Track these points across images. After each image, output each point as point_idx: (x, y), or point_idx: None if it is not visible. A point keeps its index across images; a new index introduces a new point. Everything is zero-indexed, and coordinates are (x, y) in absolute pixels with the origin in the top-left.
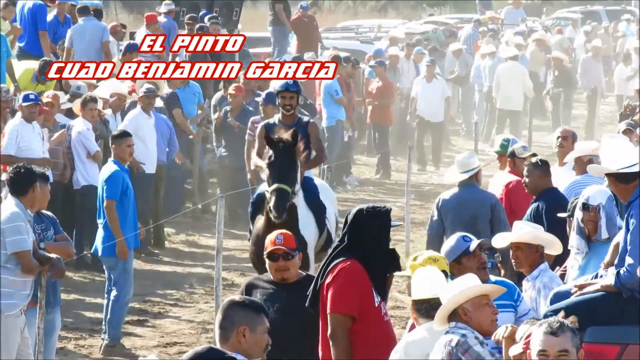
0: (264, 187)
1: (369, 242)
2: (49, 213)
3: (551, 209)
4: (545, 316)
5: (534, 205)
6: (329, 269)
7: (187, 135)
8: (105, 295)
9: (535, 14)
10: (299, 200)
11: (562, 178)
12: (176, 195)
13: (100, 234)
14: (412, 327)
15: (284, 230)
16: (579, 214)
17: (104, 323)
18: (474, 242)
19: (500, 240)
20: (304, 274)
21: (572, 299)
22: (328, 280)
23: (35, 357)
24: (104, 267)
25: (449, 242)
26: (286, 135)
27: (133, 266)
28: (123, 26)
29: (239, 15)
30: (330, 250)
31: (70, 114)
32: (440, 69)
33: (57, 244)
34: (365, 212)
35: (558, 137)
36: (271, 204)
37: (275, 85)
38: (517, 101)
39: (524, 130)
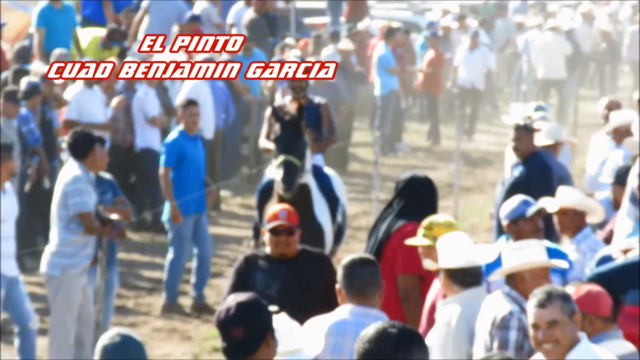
0: (271, 174)
1: (428, 207)
2: (109, 176)
3: (538, 172)
4: (590, 280)
5: (521, 168)
6: (392, 232)
7: (244, 101)
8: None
9: None
10: (314, 187)
11: (608, 147)
12: (232, 159)
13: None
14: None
15: (286, 206)
16: (635, 182)
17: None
18: (533, 207)
19: (549, 205)
20: (301, 248)
21: (616, 262)
22: (394, 242)
23: (95, 314)
24: (169, 230)
25: (510, 203)
26: (292, 110)
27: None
28: None
29: None
30: (380, 214)
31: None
32: (491, 39)
33: (115, 206)
34: (425, 179)
35: (604, 108)
36: (279, 177)
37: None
38: (560, 71)
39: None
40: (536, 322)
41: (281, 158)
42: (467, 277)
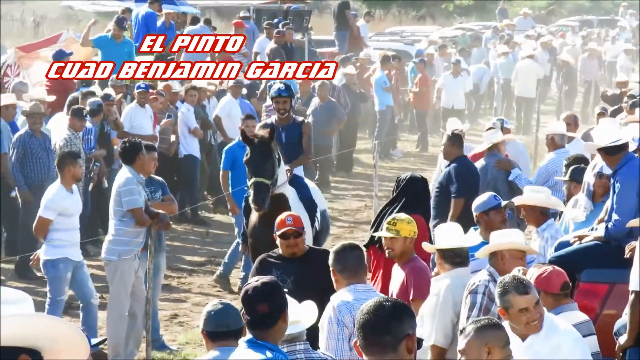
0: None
1: (423, 201)
2: (159, 178)
3: (461, 172)
4: (551, 262)
5: (447, 169)
6: None
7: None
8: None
9: (542, 22)
10: (291, 195)
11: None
12: None
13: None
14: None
15: (292, 212)
16: (590, 179)
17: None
18: (503, 202)
19: (519, 202)
20: (308, 247)
21: (572, 247)
22: None
23: (146, 292)
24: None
25: (482, 197)
26: (262, 132)
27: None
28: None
29: (309, 22)
30: (383, 208)
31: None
32: (467, 64)
33: (162, 202)
34: (421, 178)
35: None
36: (250, 198)
37: (270, 92)
38: (532, 90)
39: (534, 114)
40: (526, 306)
41: (252, 180)
42: (456, 258)
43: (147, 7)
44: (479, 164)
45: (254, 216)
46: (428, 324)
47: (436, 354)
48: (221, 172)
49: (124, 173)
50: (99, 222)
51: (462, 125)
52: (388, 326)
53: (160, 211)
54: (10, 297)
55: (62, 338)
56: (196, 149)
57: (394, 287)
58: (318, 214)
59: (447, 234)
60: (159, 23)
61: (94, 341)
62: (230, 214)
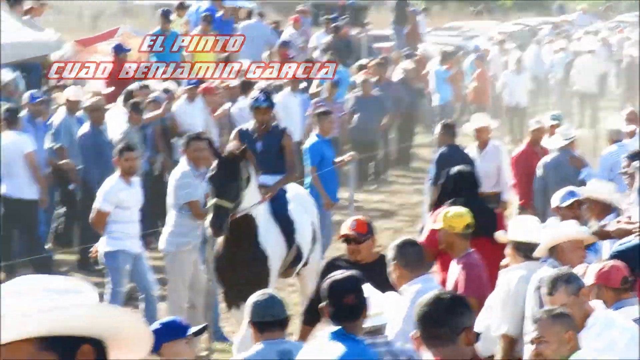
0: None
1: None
2: None
3: (443, 159)
4: (612, 256)
5: (439, 154)
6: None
7: None
8: None
9: (600, 18)
10: (264, 213)
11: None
12: None
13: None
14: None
15: (358, 217)
16: None
17: None
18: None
19: (582, 193)
20: (379, 254)
21: (634, 241)
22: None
23: (206, 283)
24: None
25: (561, 192)
26: (235, 150)
27: None
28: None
29: (365, 17)
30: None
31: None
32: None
33: None
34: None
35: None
36: (207, 221)
37: (249, 101)
38: (593, 86)
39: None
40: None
41: (212, 201)
42: (529, 251)
43: (208, 2)
44: (549, 158)
45: (219, 239)
46: (498, 314)
47: (507, 344)
48: (310, 168)
49: (181, 166)
50: (158, 214)
51: (489, 122)
52: (446, 319)
53: None
54: (74, 287)
55: (127, 329)
56: None
57: (450, 282)
58: (306, 229)
59: (523, 226)
60: (217, 16)
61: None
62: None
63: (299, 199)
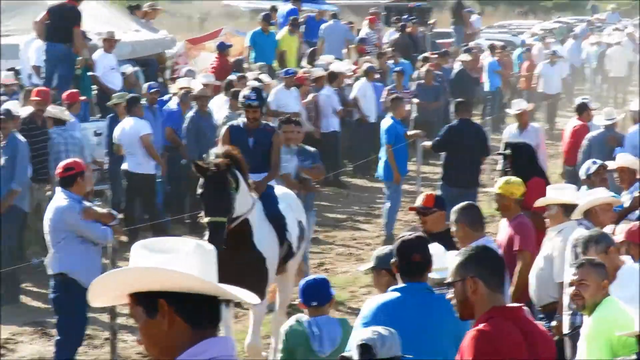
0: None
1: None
2: (312, 149)
3: (459, 129)
4: (638, 218)
5: (449, 125)
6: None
7: None
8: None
9: (628, 16)
10: (257, 213)
11: None
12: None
13: (381, 164)
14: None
15: (429, 192)
16: None
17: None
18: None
19: (611, 164)
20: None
21: None
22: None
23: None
24: (385, 186)
25: (586, 164)
26: (218, 159)
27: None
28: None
29: (429, 17)
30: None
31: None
32: (563, 53)
33: (310, 169)
34: (525, 145)
35: None
36: (206, 239)
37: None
38: (623, 70)
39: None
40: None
41: (206, 219)
42: (570, 213)
43: (290, 5)
44: (595, 133)
45: None
46: (557, 263)
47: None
48: (386, 147)
49: None
50: None
51: (526, 105)
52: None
53: (307, 176)
54: (179, 246)
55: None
56: (337, 125)
57: (501, 239)
58: (293, 226)
59: (564, 191)
60: (301, 19)
61: None
62: (385, 181)
63: (287, 197)
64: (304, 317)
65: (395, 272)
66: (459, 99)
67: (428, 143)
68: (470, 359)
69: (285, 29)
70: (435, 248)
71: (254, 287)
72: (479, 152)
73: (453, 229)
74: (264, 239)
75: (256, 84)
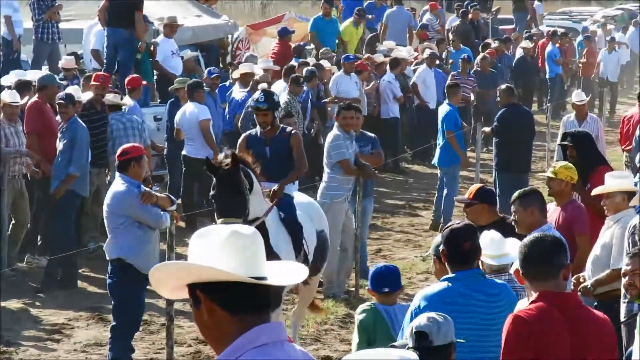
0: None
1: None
2: (371, 134)
3: (511, 113)
4: None
5: (502, 112)
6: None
7: None
8: (437, 193)
9: None
10: (273, 218)
11: None
12: None
13: (438, 150)
14: None
15: (477, 185)
16: None
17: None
18: None
19: None
20: (499, 217)
21: None
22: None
23: (355, 230)
24: (440, 172)
25: None
26: (225, 159)
27: None
28: (412, 9)
29: (491, 3)
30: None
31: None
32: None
33: (370, 155)
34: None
35: None
36: None
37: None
38: None
39: None
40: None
41: (219, 220)
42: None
43: None
44: None
45: None
46: (615, 251)
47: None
48: (446, 133)
49: (334, 131)
50: (315, 172)
51: (585, 97)
52: (550, 257)
53: (366, 163)
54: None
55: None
56: (397, 111)
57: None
58: (311, 236)
59: (623, 179)
60: (365, 3)
61: None
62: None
63: (308, 206)
64: (372, 305)
65: (443, 261)
66: (504, 85)
67: (487, 129)
68: (504, 340)
69: (350, 20)
70: (492, 234)
71: None
72: (528, 137)
73: (520, 214)
74: (281, 244)
75: (265, 86)
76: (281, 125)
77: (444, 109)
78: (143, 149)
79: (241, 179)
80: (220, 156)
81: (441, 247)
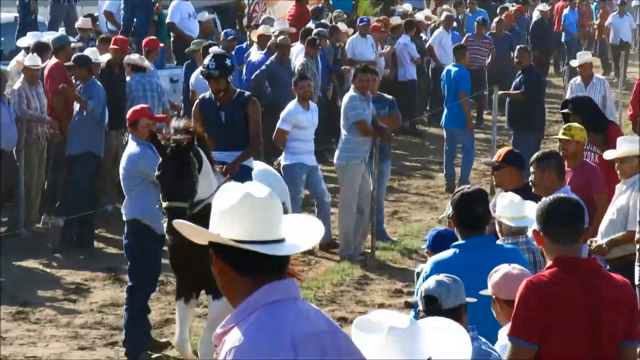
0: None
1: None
2: (389, 96)
3: (531, 79)
4: None
5: (520, 76)
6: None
7: None
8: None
9: None
10: None
11: None
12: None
13: (449, 112)
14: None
15: (504, 147)
16: None
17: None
18: None
19: None
20: (524, 182)
21: None
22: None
23: (372, 192)
24: (446, 134)
25: None
26: (178, 135)
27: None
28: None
29: None
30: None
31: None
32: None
33: (387, 117)
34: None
35: None
36: (165, 227)
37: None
38: None
39: None
40: None
41: (164, 204)
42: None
43: None
44: None
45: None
46: (631, 214)
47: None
48: (460, 93)
49: (350, 92)
50: (332, 133)
51: (589, 58)
52: (575, 218)
53: (383, 125)
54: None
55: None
56: (414, 73)
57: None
58: None
59: (633, 143)
60: None
61: None
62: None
63: (270, 177)
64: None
65: (453, 225)
66: (520, 46)
67: (514, 93)
68: (515, 305)
69: None
70: (512, 196)
71: (210, 274)
72: (540, 97)
73: (538, 176)
74: None
75: (218, 50)
76: (238, 90)
77: (456, 71)
78: (148, 111)
79: (191, 160)
80: (171, 130)
81: (450, 212)
